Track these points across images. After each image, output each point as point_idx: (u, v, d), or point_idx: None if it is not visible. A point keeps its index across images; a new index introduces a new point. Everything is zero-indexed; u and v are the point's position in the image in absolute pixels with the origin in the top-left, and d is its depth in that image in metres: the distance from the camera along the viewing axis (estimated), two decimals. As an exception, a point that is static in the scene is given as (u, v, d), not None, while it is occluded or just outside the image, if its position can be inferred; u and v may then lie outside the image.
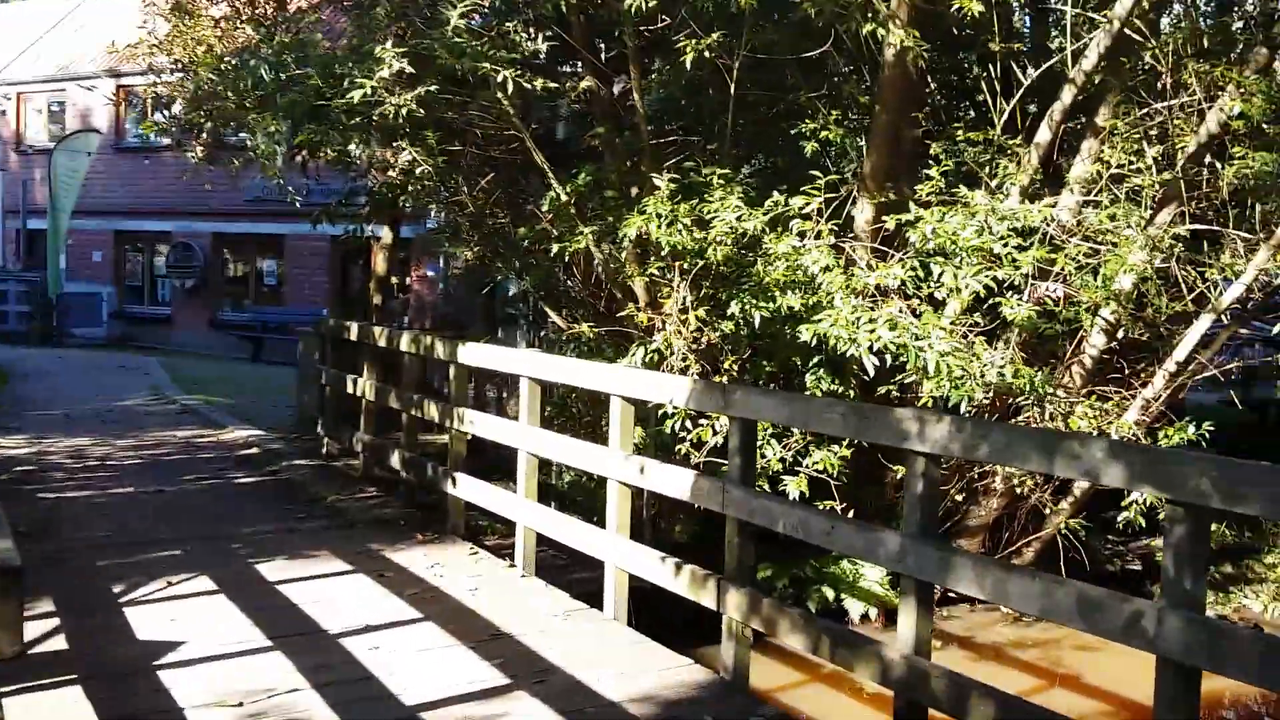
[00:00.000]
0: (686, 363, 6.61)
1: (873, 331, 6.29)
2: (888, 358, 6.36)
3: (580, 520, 5.77)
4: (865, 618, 8.34)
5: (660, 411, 6.44)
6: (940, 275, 6.67)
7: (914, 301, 7.05)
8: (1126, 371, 8.56)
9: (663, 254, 6.69)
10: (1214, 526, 10.20)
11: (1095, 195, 7.53)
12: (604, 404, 6.53)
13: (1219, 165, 7.05)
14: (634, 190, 8.08)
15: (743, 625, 4.39)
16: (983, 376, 6.37)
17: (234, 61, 9.30)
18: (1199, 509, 2.81)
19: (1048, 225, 6.75)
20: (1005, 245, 6.55)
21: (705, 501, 4.58)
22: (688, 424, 6.62)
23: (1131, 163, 7.53)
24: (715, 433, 6.78)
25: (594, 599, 5.47)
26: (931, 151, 7.32)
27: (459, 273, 13.62)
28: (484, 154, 8.75)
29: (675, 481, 4.82)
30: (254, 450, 10.27)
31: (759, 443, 5.69)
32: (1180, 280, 7.52)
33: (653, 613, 5.64)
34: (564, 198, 7.64)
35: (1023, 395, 6.62)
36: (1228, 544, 10.33)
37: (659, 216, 6.52)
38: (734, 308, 6.66)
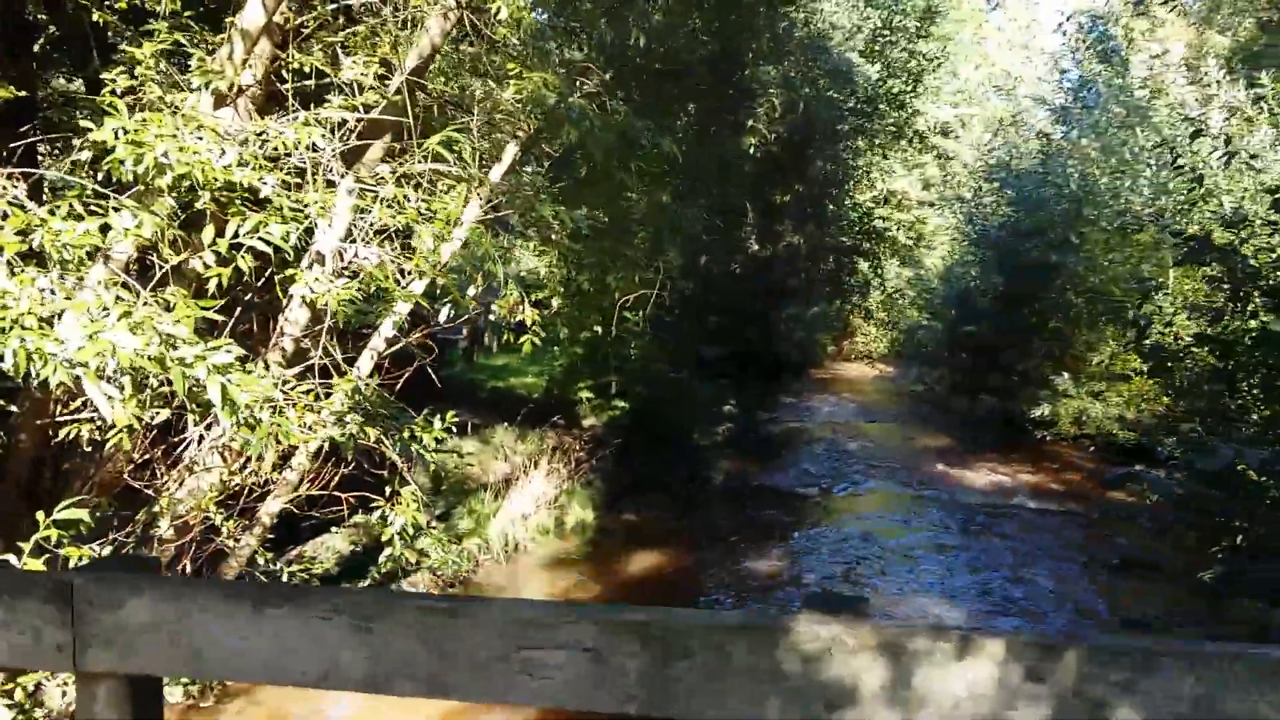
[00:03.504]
0: None
1: (94, 337, 3.29)
2: (127, 381, 3.43)
3: None
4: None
5: None
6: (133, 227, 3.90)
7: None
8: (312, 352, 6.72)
9: None
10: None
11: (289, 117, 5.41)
12: None
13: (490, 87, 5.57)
14: None
15: None
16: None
17: None
18: None
19: (311, 153, 4.46)
20: (273, 181, 4.08)
21: None
22: None
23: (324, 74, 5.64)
24: None
25: None
26: (98, 19, 4.31)
27: None
28: None
29: None
30: None
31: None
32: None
33: None
34: None
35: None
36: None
37: None
38: None
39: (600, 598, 9.09)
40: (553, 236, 6.64)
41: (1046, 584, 8.50)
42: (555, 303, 7.24)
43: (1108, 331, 12.88)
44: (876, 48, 15.36)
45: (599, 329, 13.84)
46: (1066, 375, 12.91)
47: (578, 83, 6.43)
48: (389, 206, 4.88)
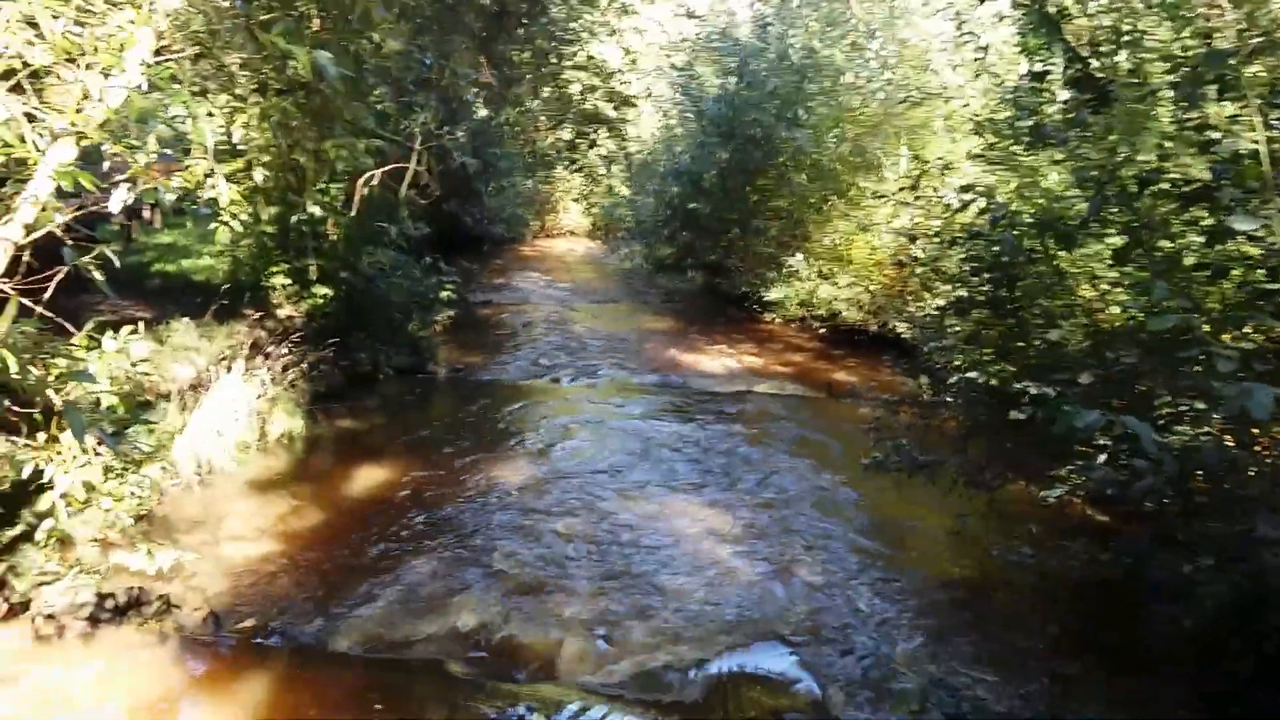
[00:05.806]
0: None
1: None
2: None
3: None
4: None
5: None
6: None
7: None
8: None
9: None
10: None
11: None
12: None
13: None
14: None
15: None
16: None
17: None
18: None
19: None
20: None
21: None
22: None
23: None
24: None
25: None
26: None
27: None
28: None
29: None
30: None
31: None
32: None
33: None
34: None
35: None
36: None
37: None
38: None
39: (320, 525, 7.74)
40: (255, 91, 5.06)
41: (808, 476, 8.18)
42: (258, 176, 5.67)
43: (833, 211, 12.75)
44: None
45: (291, 205, 11.95)
46: (800, 255, 12.71)
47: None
48: (20, 32, 3.23)
